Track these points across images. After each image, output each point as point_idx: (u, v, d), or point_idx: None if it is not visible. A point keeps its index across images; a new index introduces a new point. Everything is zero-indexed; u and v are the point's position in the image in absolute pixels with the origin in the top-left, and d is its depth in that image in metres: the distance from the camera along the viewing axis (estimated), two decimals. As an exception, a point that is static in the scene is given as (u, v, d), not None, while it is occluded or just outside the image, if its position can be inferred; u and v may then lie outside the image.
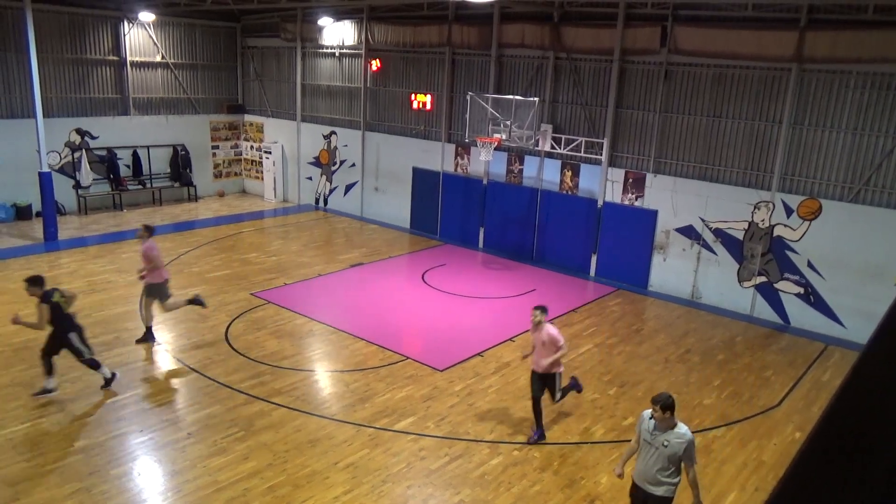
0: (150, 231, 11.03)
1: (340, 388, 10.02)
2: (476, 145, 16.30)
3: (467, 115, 15.95)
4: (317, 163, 21.97)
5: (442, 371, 10.55)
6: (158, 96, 21.61)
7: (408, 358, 10.97)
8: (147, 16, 20.19)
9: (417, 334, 12.54)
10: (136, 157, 21.05)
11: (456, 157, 18.37)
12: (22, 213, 18.70)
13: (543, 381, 8.53)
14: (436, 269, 16.05)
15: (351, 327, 12.13)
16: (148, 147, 21.26)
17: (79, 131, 19.78)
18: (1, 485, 7.30)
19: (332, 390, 10.03)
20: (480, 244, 18.11)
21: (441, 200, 18.81)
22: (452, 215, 18.64)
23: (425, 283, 15.02)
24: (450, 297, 14.18)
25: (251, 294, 13.62)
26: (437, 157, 18.67)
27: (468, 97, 15.90)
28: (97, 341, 11.04)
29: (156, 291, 10.93)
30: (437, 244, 18.35)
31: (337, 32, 20.35)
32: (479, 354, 11.25)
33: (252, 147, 23.82)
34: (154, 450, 8.14)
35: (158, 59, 21.41)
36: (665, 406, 5.86)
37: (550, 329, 8.36)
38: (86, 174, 19.74)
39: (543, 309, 8.43)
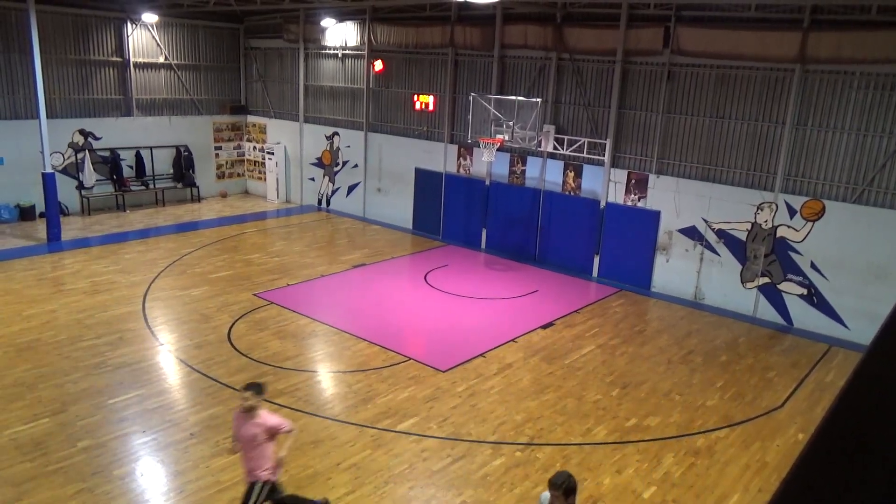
0: None
1: (343, 388, 10.03)
2: (478, 146, 16.32)
3: (470, 116, 15.95)
4: (319, 163, 21.99)
5: (444, 372, 10.55)
6: (161, 97, 21.65)
7: (410, 359, 10.97)
8: (150, 17, 20.23)
9: (420, 335, 12.54)
10: (139, 157, 21.09)
11: (458, 158, 18.37)
12: (25, 213, 18.74)
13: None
14: (438, 269, 16.05)
15: (353, 328, 12.14)
16: (151, 148, 21.31)
17: (82, 132, 19.83)
18: (5, 485, 7.32)
19: (335, 391, 10.04)
20: (483, 245, 18.11)
21: (444, 201, 18.81)
22: (455, 216, 18.64)
23: (428, 283, 15.02)
24: (452, 297, 14.18)
25: (254, 295, 13.64)
26: (440, 157, 18.68)
27: (471, 98, 15.90)
28: (101, 342, 11.09)
29: None
30: (440, 245, 18.35)
31: (339, 33, 20.38)
32: (481, 355, 11.25)
33: (255, 148, 23.86)
34: (157, 450, 8.16)
35: (161, 60, 21.45)
36: (568, 489, 4.89)
37: (268, 417, 6.30)
38: (89, 175, 19.79)
39: (258, 388, 6.31)
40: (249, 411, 6.21)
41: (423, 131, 19.08)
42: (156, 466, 7.88)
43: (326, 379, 10.45)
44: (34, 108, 17.07)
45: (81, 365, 10.24)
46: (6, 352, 10.58)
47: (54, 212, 17.00)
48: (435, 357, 11.10)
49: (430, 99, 18.41)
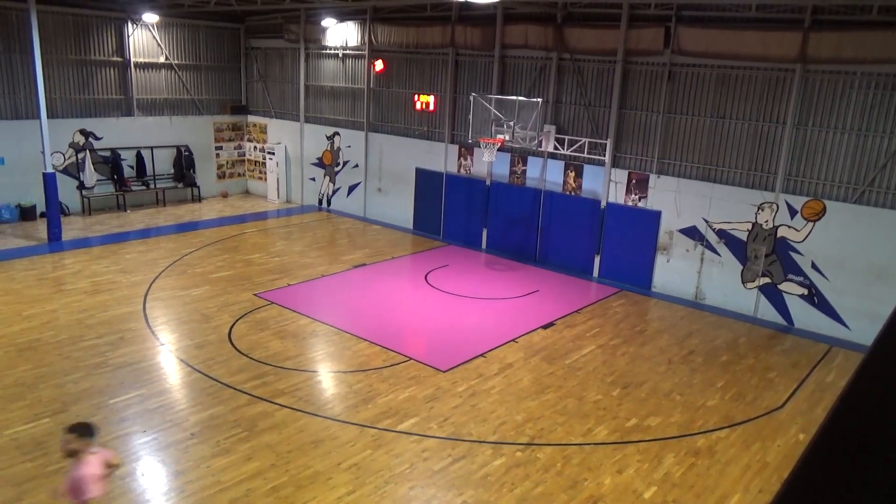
0: None
1: (343, 388, 10.03)
2: (479, 146, 16.33)
3: (470, 116, 15.96)
4: (320, 163, 21.99)
5: (445, 372, 10.55)
6: (162, 97, 21.66)
7: (410, 359, 10.97)
8: (151, 17, 20.23)
9: (420, 335, 12.54)
10: (139, 157, 21.10)
11: (459, 158, 18.37)
12: (26, 213, 18.75)
13: None
14: (439, 269, 16.05)
15: (354, 328, 12.14)
16: (152, 148, 21.32)
17: (83, 132, 19.83)
18: (6, 485, 7.32)
19: (336, 391, 10.04)
20: (483, 245, 18.11)
21: (444, 201, 18.81)
22: (455, 216, 18.64)
23: (428, 283, 15.02)
24: (453, 297, 14.17)
25: (255, 295, 13.64)
26: (441, 157, 18.68)
27: (471, 98, 15.91)
28: (102, 342, 11.10)
29: None
30: (441, 245, 18.35)
31: (340, 33, 20.38)
32: (482, 355, 11.25)
33: (255, 148, 23.86)
34: (157, 450, 8.16)
35: (162, 60, 21.46)
36: None
37: (85, 468, 5.38)
38: (90, 175, 19.80)
39: (82, 430, 5.48)
40: (72, 456, 5.36)
41: (423, 131, 19.08)
42: (156, 466, 7.89)
43: (327, 379, 10.45)
44: (35, 108, 17.08)
45: (82, 365, 10.24)
46: (7, 352, 10.58)
47: (55, 212, 17.01)
48: (435, 357, 11.10)
49: (430, 99, 18.40)
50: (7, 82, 18.25)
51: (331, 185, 21.84)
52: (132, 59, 20.69)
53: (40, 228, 17.82)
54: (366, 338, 11.74)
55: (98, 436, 5.50)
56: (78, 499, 5.38)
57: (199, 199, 22.44)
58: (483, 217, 17.98)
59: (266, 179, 23.43)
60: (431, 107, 18.45)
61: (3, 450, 7.96)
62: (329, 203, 22.02)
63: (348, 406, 9.40)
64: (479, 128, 15.70)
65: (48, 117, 16.82)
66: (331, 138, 21.44)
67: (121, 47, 20.51)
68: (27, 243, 16.66)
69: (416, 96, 18.71)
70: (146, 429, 8.58)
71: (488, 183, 17.71)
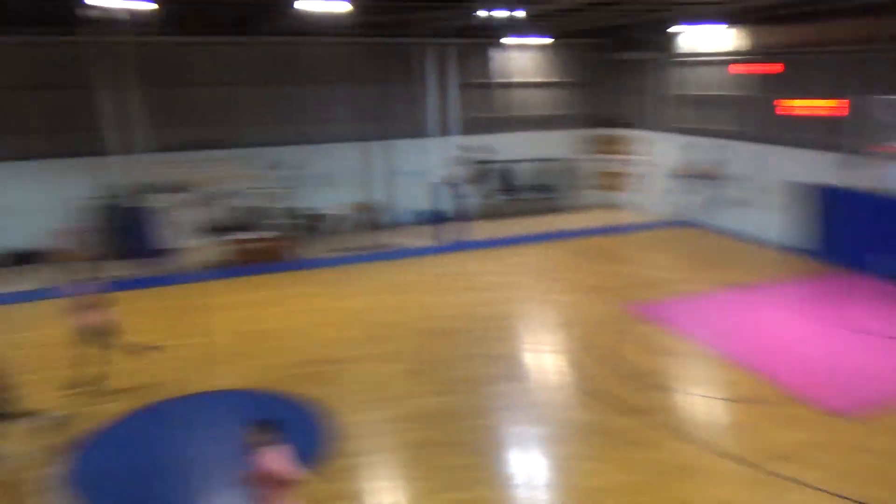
0: None
1: (722, 417, 9.34)
2: (888, 157, 13.68)
3: (876, 121, 13.44)
4: (690, 176, 20.94)
5: (846, 419, 8.94)
6: (534, 113, 23.58)
7: (802, 397, 9.55)
8: (519, 40, 22.10)
9: (815, 372, 10.60)
10: (516, 170, 23.05)
11: (859, 170, 15.54)
12: (424, 218, 21.61)
13: None
14: (834, 297, 13.82)
15: (734, 353, 11.14)
16: (527, 161, 23.10)
17: (468, 147, 22.34)
18: (404, 448, 8.55)
19: (712, 418, 9.36)
20: (889, 274, 14.96)
21: (837, 220, 16.12)
22: (852, 237, 15.72)
23: (821, 314, 12.93)
24: (851, 333, 12.00)
25: (623, 306, 13.54)
26: (837, 170, 16.06)
27: (878, 100, 13.37)
28: (486, 335, 12.22)
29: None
30: (832, 269, 15.74)
31: (713, 38, 19.28)
32: None
33: (622, 160, 23.95)
34: (529, 445, 8.73)
35: (534, 79, 23.44)
36: None
37: (264, 458, 5.50)
38: (475, 186, 22.23)
39: (264, 426, 5.61)
40: (255, 448, 5.57)
41: (815, 140, 16.74)
42: (527, 458, 8.46)
43: (704, 404, 9.78)
44: (432, 128, 20.29)
45: (468, 353, 11.45)
46: (409, 336, 12.30)
47: (448, 217, 19.63)
48: (836, 400, 9.43)
49: (824, 104, 16.06)
50: (409, 107, 21.64)
51: (703, 198, 20.62)
52: (507, 80, 22.99)
53: (434, 231, 20.30)
54: (748, 365, 10.66)
55: (277, 435, 5.61)
56: (259, 488, 5.57)
57: (568, 209, 23.45)
58: (889, 240, 14.93)
59: (634, 191, 23.34)
60: (825, 112, 16.09)
61: (401, 417, 9.29)
62: (701, 217, 20.77)
63: (725, 438, 8.64)
64: (887, 135, 13.15)
65: (440, 135, 19.53)
66: (702, 150, 20.30)
67: (496, 69, 22.85)
68: (428, 243, 19.26)
69: (805, 101, 16.55)
70: (517, 421, 9.21)
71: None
